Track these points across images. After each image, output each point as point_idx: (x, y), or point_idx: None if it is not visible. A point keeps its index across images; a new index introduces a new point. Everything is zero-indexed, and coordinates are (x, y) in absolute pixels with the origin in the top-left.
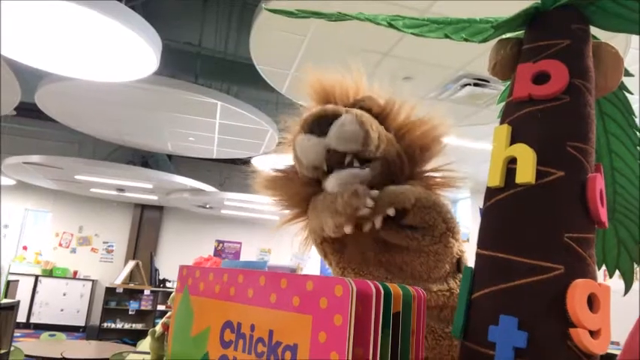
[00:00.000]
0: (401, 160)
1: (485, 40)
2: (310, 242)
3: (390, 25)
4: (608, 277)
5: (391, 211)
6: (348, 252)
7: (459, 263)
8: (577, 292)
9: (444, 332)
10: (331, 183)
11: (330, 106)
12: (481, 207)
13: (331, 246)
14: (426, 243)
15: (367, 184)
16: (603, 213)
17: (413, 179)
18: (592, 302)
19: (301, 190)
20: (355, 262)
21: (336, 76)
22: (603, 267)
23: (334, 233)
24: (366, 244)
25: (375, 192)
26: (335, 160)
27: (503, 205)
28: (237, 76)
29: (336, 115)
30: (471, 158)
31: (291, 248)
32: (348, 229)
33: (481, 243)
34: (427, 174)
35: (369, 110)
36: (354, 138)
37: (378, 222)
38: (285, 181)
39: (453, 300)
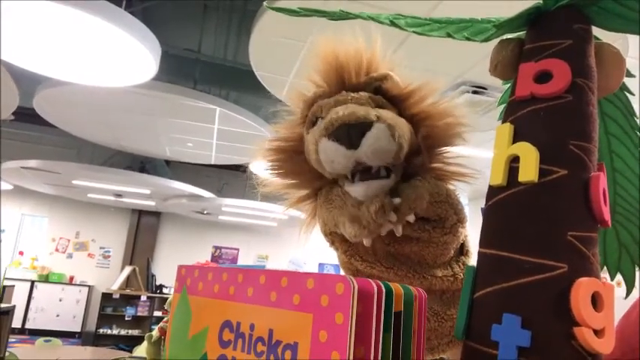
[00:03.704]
0: (421, 157)
1: (487, 40)
2: (313, 225)
3: (393, 24)
4: (609, 279)
5: (411, 218)
6: (356, 242)
7: (462, 246)
8: (581, 290)
9: (446, 314)
10: (358, 192)
11: (360, 112)
12: (482, 207)
13: (339, 236)
14: (436, 234)
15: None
16: (606, 212)
17: (424, 169)
18: (596, 301)
19: (311, 175)
20: (363, 251)
21: (351, 48)
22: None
23: (352, 240)
24: (376, 237)
25: (397, 200)
26: (361, 168)
27: (505, 204)
28: (236, 82)
29: (367, 124)
30: (469, 165)
31: (289, 254)
32: (367, 243)
33: (483, 242)
34: (438, 164)
35: (386, 92)
36: (388, 153)
37: (398, 230)
38: (291, 162)
39: (456, 284)
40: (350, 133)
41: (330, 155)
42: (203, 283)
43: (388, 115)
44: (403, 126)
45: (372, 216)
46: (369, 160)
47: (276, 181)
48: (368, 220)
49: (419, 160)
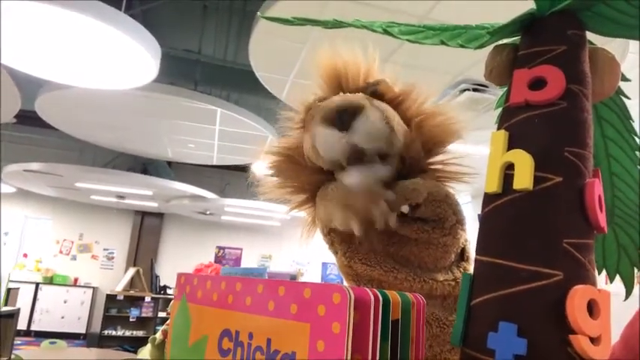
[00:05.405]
0: (417, 153)
1: (481, 46)
2: (315, 229)
3: (386, 32)
4: (609, 281)
5: (405, 209)
6: (356, 242)
7: (463, 251)
8: (576, 298)
9: (447, 320)
10: (352, 179)
11: (352, 97)
12: (479, 213)
13: (339, 236)
14: (436, 235)
15: (384, 179)
16: (602, 218)
17: (424, 171)
18: (592, 308)
19: (310, 177)
20: (363, 253)
21: (348, 56)
22: (604, 272)
23: (342, 228)
24: (375, 235)
25: (390, 193)
26: (355, 155)
27: (501, 211)
28: (237, 83)
29: (359, 108)
30: (470, 163)
31: (292, 254)
32: (356, 230)
33: (480, 249)
34: (437, 166)
35: (382, 95)
36: (380, 136)
37: (393, 221)
38: (290, 165)
39: (458, 289)
40: (342, 116)
41: (326, 142)
42: (202, 292)
43: (382, 105)
44: (395, 113)
45: (359, 201)
46: (362, 142)
47: (276, 188)
48: (357, 208)
49: (417, 160)
